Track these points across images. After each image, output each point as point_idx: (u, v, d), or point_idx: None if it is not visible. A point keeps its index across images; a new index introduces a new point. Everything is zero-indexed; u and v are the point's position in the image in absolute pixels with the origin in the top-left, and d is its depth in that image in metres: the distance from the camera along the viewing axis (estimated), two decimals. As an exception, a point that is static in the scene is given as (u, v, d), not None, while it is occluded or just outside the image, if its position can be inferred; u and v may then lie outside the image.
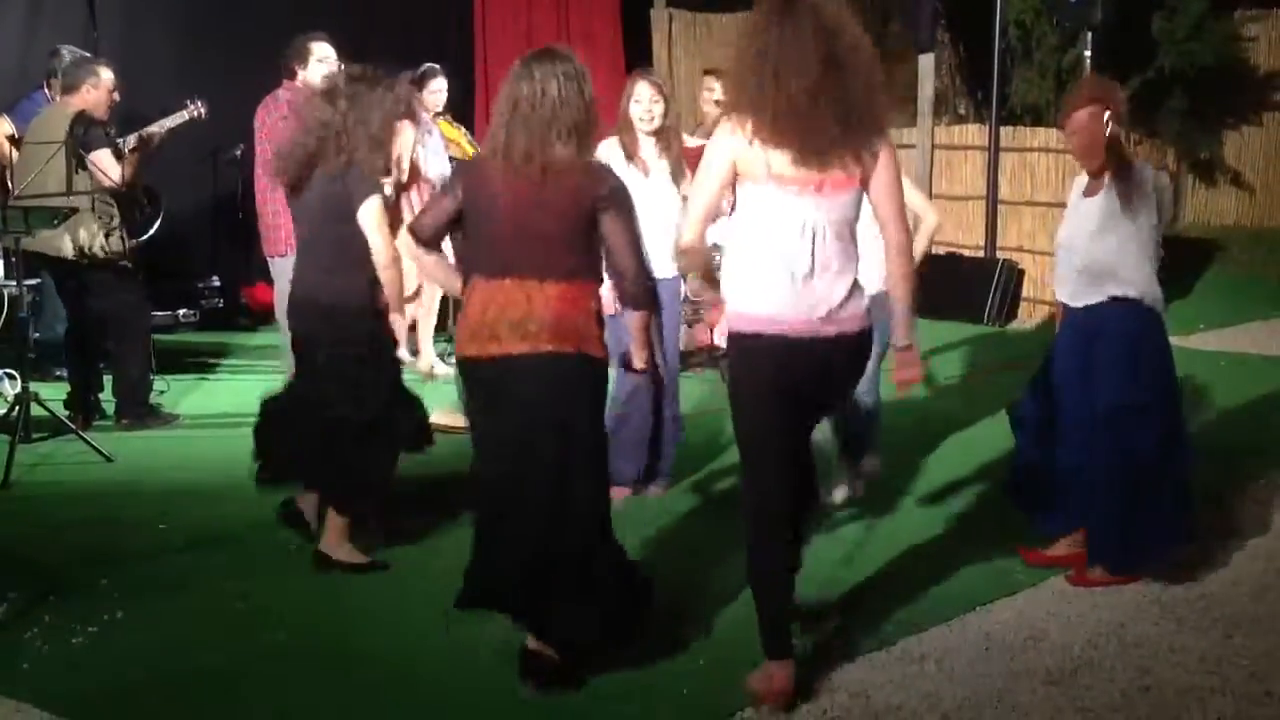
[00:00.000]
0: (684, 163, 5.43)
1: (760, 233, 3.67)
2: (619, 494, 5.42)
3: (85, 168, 6.45)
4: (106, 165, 6.54)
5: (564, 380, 3.72)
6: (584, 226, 3.71)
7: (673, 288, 5.40)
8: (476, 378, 3.81)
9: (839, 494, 5.47)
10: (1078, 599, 4.51)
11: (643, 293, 3.81)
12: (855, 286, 3.73)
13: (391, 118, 4.67)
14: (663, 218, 5.25)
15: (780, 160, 3.60)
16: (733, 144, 3.64)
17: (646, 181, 5.34)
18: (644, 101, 5.38)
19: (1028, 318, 10.00)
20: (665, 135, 5.44)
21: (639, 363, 3.92)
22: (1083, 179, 4.74)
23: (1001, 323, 9.88)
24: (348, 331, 4.58)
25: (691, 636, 4.13)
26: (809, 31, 3.55)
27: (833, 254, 3.66)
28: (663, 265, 5.08)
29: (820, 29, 3.56)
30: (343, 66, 4.83)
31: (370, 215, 4.51)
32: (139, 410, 6.77)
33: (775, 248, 3.65)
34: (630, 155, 5.39)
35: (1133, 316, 4.57)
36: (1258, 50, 12.07)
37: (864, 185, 3.69)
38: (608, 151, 5.40)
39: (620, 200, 3.74)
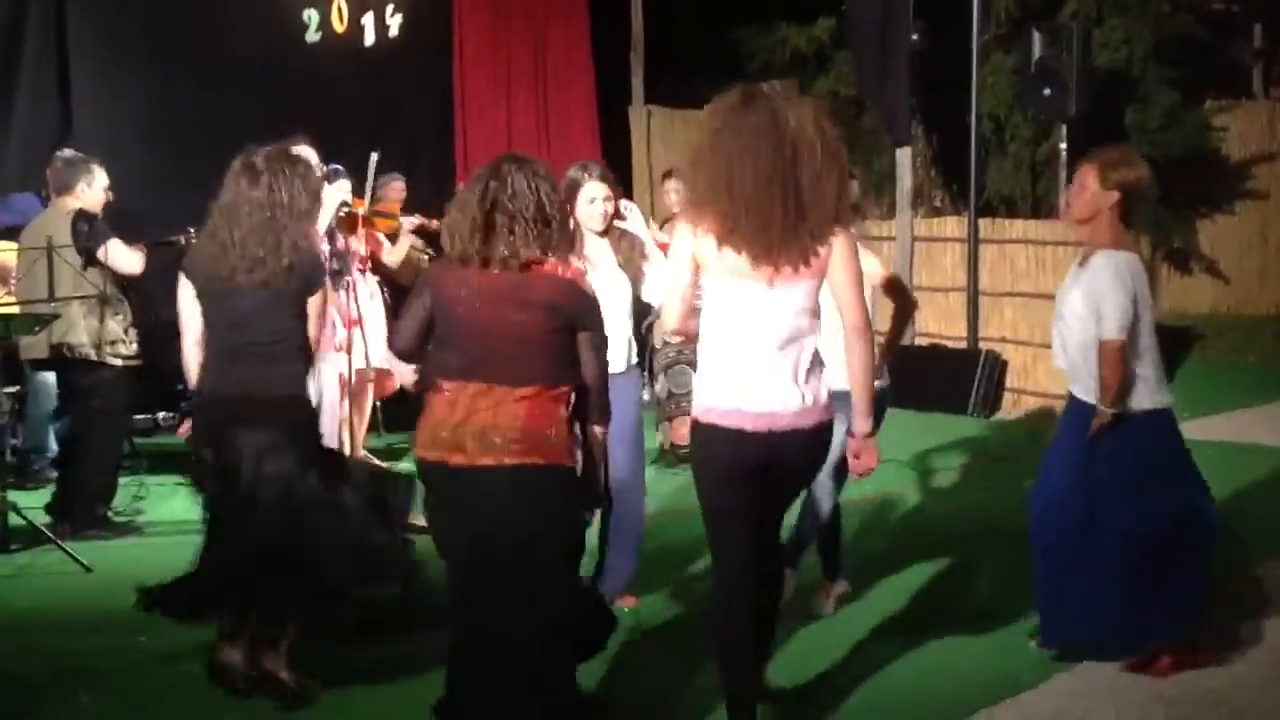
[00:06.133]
0: (640, 258, 5.26)
1: (718, 325, 3.75)
2: None
3: (95, 264, 6.41)
4: (123, 256, 6.51)
5: (529, 493, 3.65)
6: (563, 335, 3.69)
7: (629, 380, 5.21)
8: (436, 483, 3.74)
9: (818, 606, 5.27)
10: (1080, 698, 4.43)
11: (605, 410, 3.84)
12: (814, 377, 3.75)
13: (316, 192, 4.55)
14: (614, 311, 5.03)
15: (733, 256, 3.66)
16: (689, 242, 3.72)
17: (593, 275, 5.02)
18: (598, 200, 5.18)
19: (1012, 408, 9.99)
20: (615, 232, 5.25)
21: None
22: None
23: (986, 414, 9.86)
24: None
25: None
26: (763, 128, 3.59)
27: (789, 346, 3.69)
28: (617, 359, 4.92)
29: (774, 125, 3.59)
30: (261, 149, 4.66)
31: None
32: (96, 519, 6.54)
33: (731, 340, 3.71)
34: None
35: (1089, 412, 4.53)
36: (1228, 140, 12.25)
37: (821, 275, 3.72)
38: None
39: (596, 321, 3.76)
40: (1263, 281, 12.55)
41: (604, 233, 5.24)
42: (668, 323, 3.90)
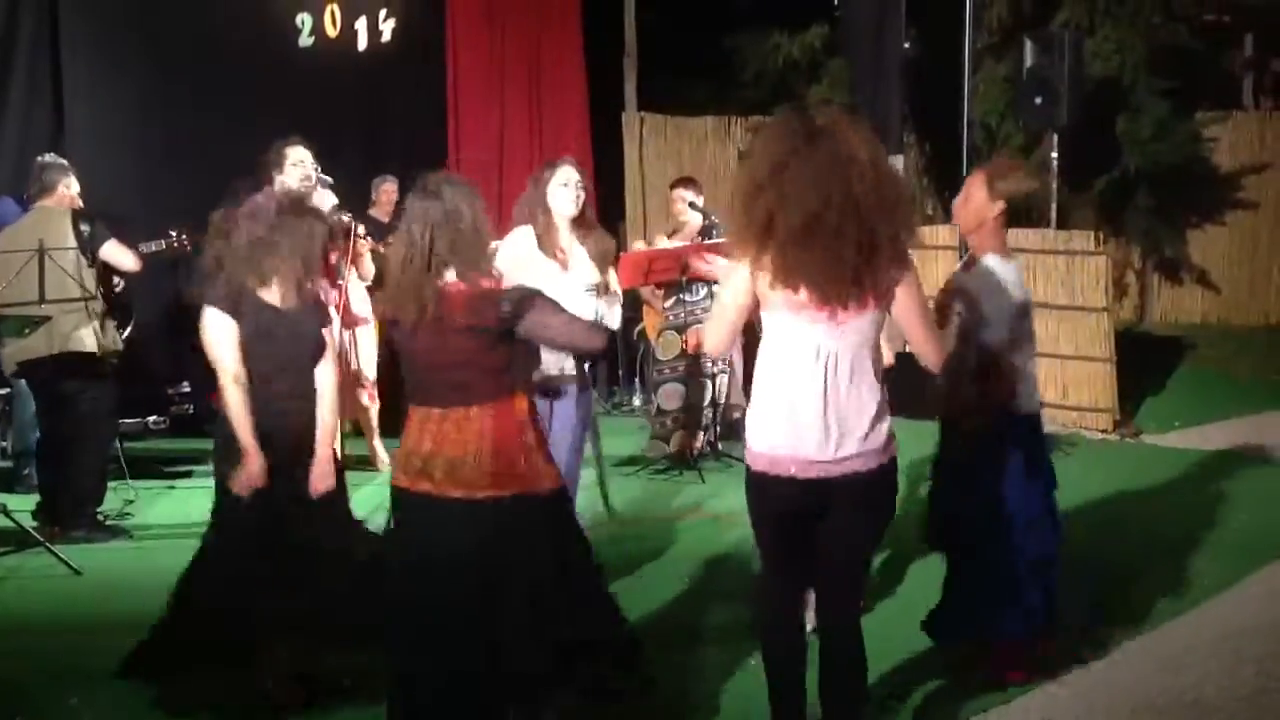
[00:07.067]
0: (607, 256, 5.35)
1: (774, 361, 3.62)
2: None
3: (94, 265, 6.44)
4: (120, 255, 6.54)
5: (501, 530, 3.66)
6: (499, 344, 3.66)
7: (584, 397, 5.23)
8: (407, 509, 3.75)
9: None
10: (1070, 706, 4.44)
11: (601, 340, 3.89)
12: (876, 418, 3.60)
13: (311, 250, 4.51)
14: (582, 313, 5.05)
15: (798, 293, 3.51)
16: (747, 280, 3.57)
17: (566, 275, 5.13)
18: (570, 185, 5.22)
19: (1003, 416, 9.99)
20: (585, 221, 5.32)
21: None
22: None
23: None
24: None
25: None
26: (826, 168, 3.43)
27: (848, 383, 3.56)
28: (570, 363, 5.04)
29: (838, 163, 3.43)
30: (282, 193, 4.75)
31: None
32: (85, 520, 6.55)
33: (786, 378, 3.58)
34: (549, 246, 5.19)
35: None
36: (1219, 151, 12.28)
37: (884, 308, 3.59)
38: (519, 241, 5.20)
39: (526, 304, 3.65)
40: (1253, 291, 12.57)
41: (578, 220, 5.25)
42: (707, 345, 3.81)
